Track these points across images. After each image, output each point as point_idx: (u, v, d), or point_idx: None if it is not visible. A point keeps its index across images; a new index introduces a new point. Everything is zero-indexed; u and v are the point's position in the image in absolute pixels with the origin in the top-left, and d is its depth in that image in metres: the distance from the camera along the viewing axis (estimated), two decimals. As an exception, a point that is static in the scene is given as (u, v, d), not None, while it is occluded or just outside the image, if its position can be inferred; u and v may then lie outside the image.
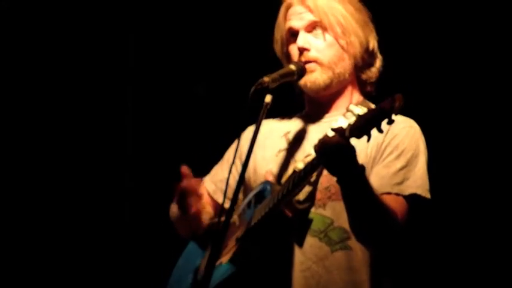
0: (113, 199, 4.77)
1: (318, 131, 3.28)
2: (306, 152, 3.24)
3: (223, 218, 2.94)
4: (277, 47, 3.37)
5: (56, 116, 4.79)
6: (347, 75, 3.29)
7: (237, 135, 3.26)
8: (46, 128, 4.79)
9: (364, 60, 3.31)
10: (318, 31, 3.27)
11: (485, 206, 4.16)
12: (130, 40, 4.76)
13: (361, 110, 3.19)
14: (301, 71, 3.20)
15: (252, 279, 3.15)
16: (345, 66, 3.28)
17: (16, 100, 4.75)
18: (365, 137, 2.82)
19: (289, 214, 3.13)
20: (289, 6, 3.31)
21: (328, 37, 3.26)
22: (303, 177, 3.04)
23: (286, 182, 3.10)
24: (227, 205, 3.37)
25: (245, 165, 2.95)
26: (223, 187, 3.40)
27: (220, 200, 3.43)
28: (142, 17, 4.74)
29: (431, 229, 4.08)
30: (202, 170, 3.56)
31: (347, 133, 2.82)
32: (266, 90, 2.99)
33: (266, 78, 3.01)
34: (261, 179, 3.29)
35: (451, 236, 4.18)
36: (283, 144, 3.34)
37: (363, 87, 3.36)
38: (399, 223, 3.07)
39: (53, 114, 4.79)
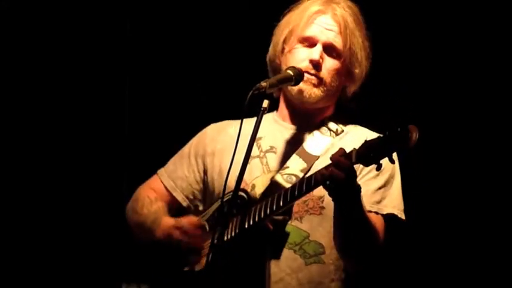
0: (111, 195, 4.71)
1: (293, 142, 3.29)
2: (283, 163, 3.24)
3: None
4: (277, 38, 3.33)
5: (56, 113, 4.70)
6: (335, 98, 3.32)
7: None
8: (46, 125, 4.68)
9: (353, 91, 3.34)
10: (334, 53, 3.26)
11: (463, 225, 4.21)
12: (128, 39, 4.72)
13: (335, 126, 3.28)
14: (299, 77, 3.18)
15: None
16: (338, 92, 3.31)
17: (16, 99, 4.67)
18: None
19: (271, 227, 3.12)
20: (318, 12, 3.27)
21: (339, 64, 3.26)
22: (297, 195, 3.03)
23: (273, 197, 3.07)
24: (185, 204, 3.39)
25: (241, 173, 2.93)
26: (183, 185, 3.39)
27: (179, 197, 3.40)
28: (140, 15, 4.71)
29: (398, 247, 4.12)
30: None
31: (354, 159, 2.85)
32: (263, 95, 2.97)
33: (263, 83, 2.99)
34: (230, 185, 3.16)
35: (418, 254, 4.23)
36: (255, 151, 3.30)
37: (343, 101, 3.37)
38: (381, 241, 3.11)
39: (52, 111, 4.70)
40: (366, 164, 2.84)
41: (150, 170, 3.54)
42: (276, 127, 3.37)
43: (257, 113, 2.95)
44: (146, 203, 3.40)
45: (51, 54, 4.65)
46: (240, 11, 4.44)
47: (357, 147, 2.89)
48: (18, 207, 4.67)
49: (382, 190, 3.18)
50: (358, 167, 3.13)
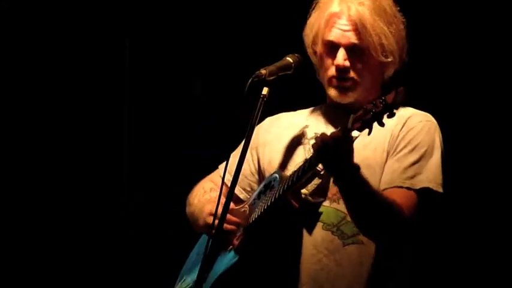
0: (111, 192, 4.83)
1: (335, 126, 3.27)
2: None
3: (220, 210, 3.07)
4: (308, 41, 3.33)
5: (55, 113, 4.87)
6: (373, 91, 3.28)
7: (234, 129, 3.28)
8: (45, 124, 4.88)
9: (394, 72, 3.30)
10: (358, 51, 3.23)
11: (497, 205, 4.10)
12: (126, 38, 4.80)
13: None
14: (299, 64, 3.19)
15: (260, 270, 3.18)
16: (375, 85, 3.29)
17: (16, 99, 4.84)
18: (383, 132, 2.92)
19: (296, 205, 3.14)
20: (333, 15, 3.25)
21: (368, 59, 3.23)
22: (307, 169, 3.05)
23: (292, 173, 3.12)
24: (242, 196, 3.45)
25: (240, 159, 3.04)
26: (239, 177, 3.40)
27: (236, 190, 3.41)
28: (138, 14, 4.77)
29: (443, 225, 4.05)
30: (199, 163, 3.60)
31: (349, 125, 2.84)
32: (263, 82, 3.02)
33: (263, 71, 3.03)
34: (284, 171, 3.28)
35: (461, 234, 4.14)
36: (301, 140, 3.34)
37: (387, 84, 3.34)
38: (405, 217, 3.05)
39: (52, 111, 4.87)
40: (359, 129, 2.83)
41: (150, 171, 3.59)
42: (322, 115, 3.40)
43: (256, 100, 3.01)
44: (199, 194, 3.51)
45: (51, 54, 4.78)
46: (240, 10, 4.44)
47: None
48: (19, 207, 4.83)
49: (416, 166, 3.13)
50: (393, 145, 3.15)
